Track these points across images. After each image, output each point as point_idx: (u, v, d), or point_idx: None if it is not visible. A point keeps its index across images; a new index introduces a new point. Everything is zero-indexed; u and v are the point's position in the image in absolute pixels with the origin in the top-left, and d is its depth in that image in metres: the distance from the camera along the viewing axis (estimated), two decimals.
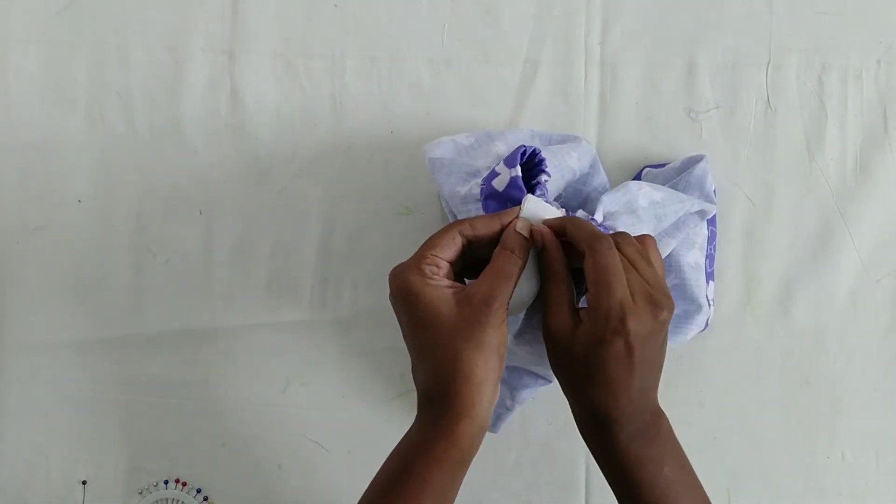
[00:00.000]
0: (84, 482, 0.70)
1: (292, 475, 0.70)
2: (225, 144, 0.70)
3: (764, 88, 0.71)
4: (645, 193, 0.59)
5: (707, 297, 0.64)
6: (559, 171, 0.60)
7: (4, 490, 0.69)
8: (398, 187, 0.70)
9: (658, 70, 0.70)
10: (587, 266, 0.50)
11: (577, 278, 0.53)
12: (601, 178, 0.65)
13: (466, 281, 0.56)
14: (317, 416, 0.70)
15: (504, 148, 0.62)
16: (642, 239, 0.54)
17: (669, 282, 0.62)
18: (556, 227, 0.53)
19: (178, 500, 0.70)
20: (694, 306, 0.63)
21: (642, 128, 0.70)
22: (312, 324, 0.70)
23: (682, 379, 0.70)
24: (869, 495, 0.71)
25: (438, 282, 0.50)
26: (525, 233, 0.52)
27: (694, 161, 0.65)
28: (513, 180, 0.55)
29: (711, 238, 0.66)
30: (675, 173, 0.66)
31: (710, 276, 0.66)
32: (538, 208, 0.54)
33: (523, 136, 0.64)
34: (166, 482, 0.70)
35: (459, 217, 0.60)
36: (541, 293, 0.55)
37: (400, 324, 0.53)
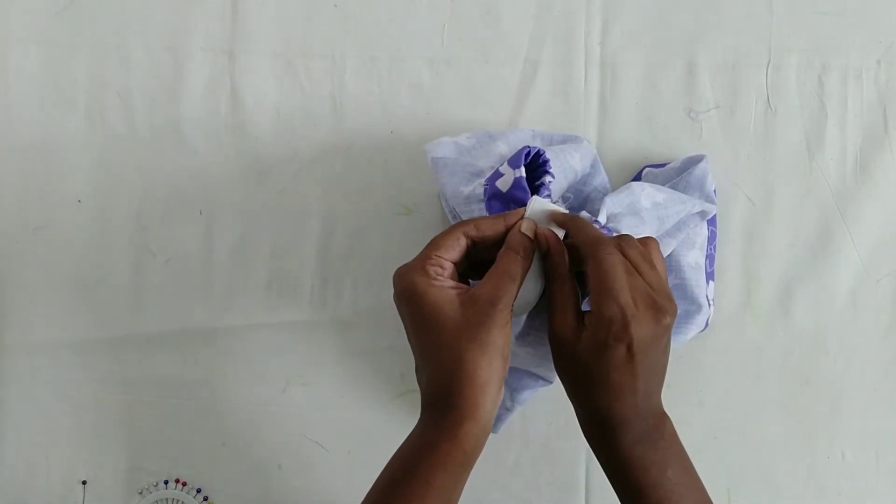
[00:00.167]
0: (84, 482, 0.70)
1: (292, 475, 0.70)
2: (225, 144, 0.70)
3: (764, 88, 0.71)
4: (648, 194, 0.59)
5: (707, 297, 0.64)
6: (562, 171, 0.60)
7: (4, 490, 0.69)
8: (398, 187, 0.70)
9: (658, 70, 0.70)
10: (589, 271, 0.50)
11: (582, 280, 0.53)
12: (602, 179, 0.65)
13: (471, 282, 0.56)
14: (317, 416, 0.70)
15: (506, 148, 0.62)
16: (645, 241, 0.54)
17: (670, 282, 0.62)
18: (560, 225, 0.53)
19: (178, 500, 0.70)
20: (694, 306, 0.63)
21: (642, 128, 0.70)
22: (312, 324, 0.70)
23: (682, 379, 0.70)
24: (869, 495, 0.71)
25: (443, 283, 0.50)
26: (530, 234, 0.52)
27: (694, 161, 0.65)
28: (517, 181, 0.55)
29: (711, 238, 0.66)
30: (676, 173, 0.66)
31: (710, 275, 0.66)
32: (543, 209, 0.54)
33: (524, 137, 0.64)
34: (166, 482, 0.70)
35: (462, 217, 0.60)
36: (545, 295, 0.55)
37: (404, 324, 0.53)
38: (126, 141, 0.70)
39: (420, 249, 0.54)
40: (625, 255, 0.51)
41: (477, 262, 0.55)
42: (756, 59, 0.71)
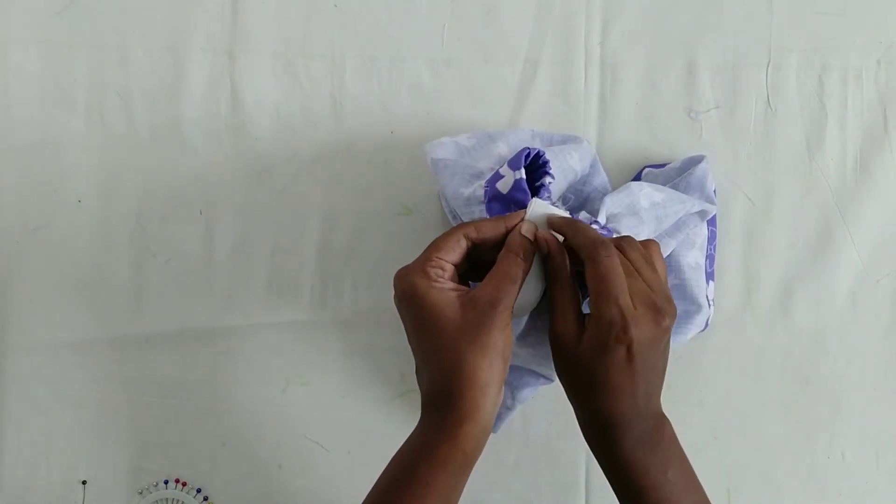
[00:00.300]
0: (84, 482, 0.70)
1: (292, 475, 0.70)
2: (225, 144, 0.70)
3: (764, 88, 0.71)
4: (646, 194, 0.59)
5: (707, 297, 0.64)
6: (561, 172, 0.60)
7: (4, 490, 0.69)
8: (398, 187, 0.70)
9: (658, 70, 0.71)
10: (588, 274, 0.50)
11: (584, 282, 0.53)
12: (601, 178, 0.65)
13: (471, 284, 0.56)
14: (317, 416, 0.70)
15: (505, 149, 0.62)
16: (647, 244, 0.55)
17: (669, 282, 0.62)
18: (557, 230, 0.54)
19: (178, 500, 0.70)
20: (694, 306, 0.63)
21: (642, 128, 0.70)
22: (313, 324, 0.70)
23: (681, 379, 0.70)
24: (869, 495, 0.71)
25: (443, 284, 0.50)
26: (530, 236, 0.52)
27: (694, 161, 0.65)
28: (517, 183, 0.55)
29: (711, 238, 0.66)
30: (676, 174, 0.66)
31: (710, 276, 0.66)
32: (543, 211, 0.54)
33: (524, 137, 0.64)
34: (166, 482, 0.70)
35: (462, 218, 0.60)
36: (546, 297, 0.55)
37: (404, 326, 0.53)
38: (126, 141, 0.70)
39: (421, 250, 0.54)
40: (626, 256, 0.51)
41: (478, 264, 0.55)
42: (756, 59, 0.71)
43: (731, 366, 0.70)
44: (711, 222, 0.66)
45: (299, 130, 0.70)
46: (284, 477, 0.70)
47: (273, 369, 0.70)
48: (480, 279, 0.52)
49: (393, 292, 0.53)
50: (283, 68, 0.70)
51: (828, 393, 0.71)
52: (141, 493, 0.70)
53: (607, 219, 0.58)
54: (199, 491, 0.70)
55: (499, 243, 0.53)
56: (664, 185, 0.63)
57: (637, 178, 0.68)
